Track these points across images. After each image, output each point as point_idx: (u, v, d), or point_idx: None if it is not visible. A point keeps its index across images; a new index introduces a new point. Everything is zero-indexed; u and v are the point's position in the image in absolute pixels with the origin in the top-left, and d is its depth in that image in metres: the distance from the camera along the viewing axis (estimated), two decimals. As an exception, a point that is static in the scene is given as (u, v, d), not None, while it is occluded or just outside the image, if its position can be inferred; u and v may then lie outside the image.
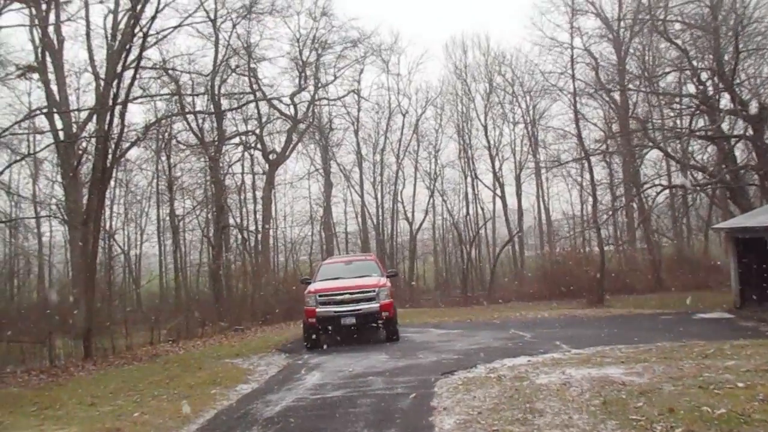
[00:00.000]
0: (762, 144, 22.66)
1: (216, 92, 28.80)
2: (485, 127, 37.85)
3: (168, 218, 31.47)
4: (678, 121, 27.98)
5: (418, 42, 65.08)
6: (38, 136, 25.99)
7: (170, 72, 24.83)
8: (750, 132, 23.25)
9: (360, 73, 35.97)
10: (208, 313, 23.60)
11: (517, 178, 37.67)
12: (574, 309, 22.41)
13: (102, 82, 21.39)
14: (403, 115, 37.88)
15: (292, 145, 32.89)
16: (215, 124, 29.71)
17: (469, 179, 38.23)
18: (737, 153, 25.94)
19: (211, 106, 29.27)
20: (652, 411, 6.65)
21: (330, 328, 14.71)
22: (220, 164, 29.92)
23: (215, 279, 28.12)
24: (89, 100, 25.14)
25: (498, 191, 37.78)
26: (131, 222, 33.90)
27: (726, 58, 22.93)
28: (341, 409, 8.21)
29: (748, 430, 5.89)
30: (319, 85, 33.81)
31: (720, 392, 7.13)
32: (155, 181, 32.65)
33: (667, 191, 29.67)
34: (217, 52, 27.99)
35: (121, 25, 21.37)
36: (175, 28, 21.83)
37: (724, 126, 24.93)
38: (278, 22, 37.13)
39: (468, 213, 38.32)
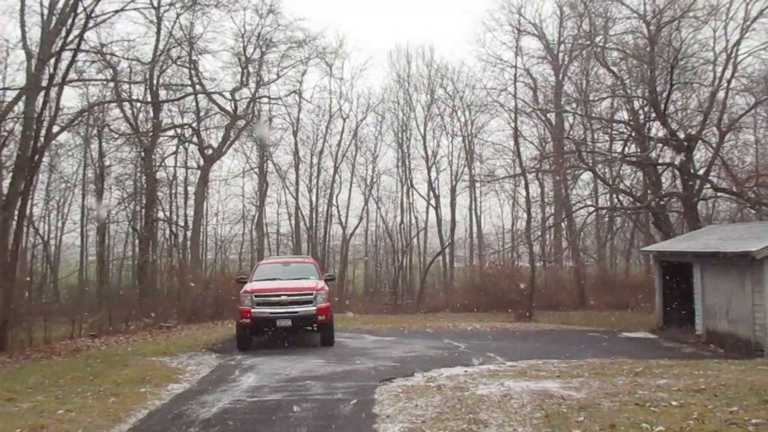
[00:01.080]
0: (687, 173, 23.74)
1: (154, 82, 27.92)
2: (424, 138, 38.31)
3: (94, 208, 30.22)
4: (610, 146, 28.95)
5: (363, 48, 65.55)
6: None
7: (108, 57, 23.87)
8: (677, 161, 24.32)
9: (303, 74, 35.75)
10: (133, 309, 22.77)
11: (452, 190, 38.22)
12: (504, 322, 22.80)
13: (35, 62, 20.43)
14: (344, 120, 37.89)
15: (229, 142, 32.25)
16: (151, 115, 28.80)
17: (404, 188, 38.57)
18: (663, 180, 27.09)
19: (149, 95, 28.36)
20: (593, 426, 6.78)
21: (265, 329, 14.43)
22: (154, 156, 29.00)
23: (141, 274, 27.19)
24: (18, 79, 23.92)
25: (432, 202, 38.23)
26: (53, 210, 32.46)
27: (659, 89, 23.95)
28: (281, 413, 8.02)
29: (687, 447, 6.09)
30: (261, 82, 33.32)
31: (656, 410, 7.34)
32: (82, 168, 31.47)
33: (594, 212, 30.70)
34: (158, 40, 27.13)
35: (60, 4, 20.50)
36: (118, 11, 20.94)
37: (653, 154, 26.00)
38: (224, 15, 36.79)
39: (402, 221, 38.63)
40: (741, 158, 28.31)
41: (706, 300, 16.09)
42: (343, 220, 38.30)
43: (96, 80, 25.25)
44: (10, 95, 21.27)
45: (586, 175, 31.27)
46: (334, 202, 37.89)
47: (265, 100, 34.35)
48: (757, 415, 6.93)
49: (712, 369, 10.55)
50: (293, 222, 38.19)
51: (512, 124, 34.47)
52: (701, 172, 24.85)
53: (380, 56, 77.79)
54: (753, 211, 24.66)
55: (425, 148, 38.19)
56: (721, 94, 24.00)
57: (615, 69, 26.17)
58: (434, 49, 61.08)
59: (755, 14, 23.03)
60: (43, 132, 17.09)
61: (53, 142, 24.06)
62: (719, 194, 25.73)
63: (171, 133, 31.26)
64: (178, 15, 27.14)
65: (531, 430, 6.76)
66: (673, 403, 7.66)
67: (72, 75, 19.72)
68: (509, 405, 7.89)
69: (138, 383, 10.42)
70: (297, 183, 37.48)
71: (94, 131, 28.53)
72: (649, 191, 26.01)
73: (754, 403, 7.58)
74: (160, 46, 27.27)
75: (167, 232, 32.21)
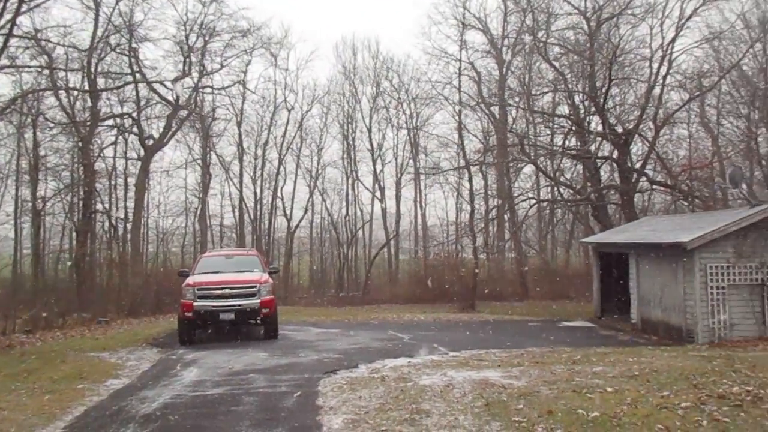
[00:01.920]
0: (625, 166, 24.48)
1: (92, 70, 27.03)
2: (369, 130, 38.30)
3: (30, 200, 29.14)
4: (552, 139, 29.58)
5: (309, 39, 65.11)
6: None
7: (43, 43, 23.00)
8: (615, 154, 25.05)
9: (247, 65, 35.15)
10: (70, 304, 22.15)
11: (397, 183, 38.34)
12: (447, 313, 23.09)
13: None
14: (289, 111, 37.53)
15: (171, 132, 31.51)
16: (89, 104, 27.91)
17: (350, 180, 38.49)
18: (602, 173, 27.87)
19: (86, 83, 27.46)
20: (532, 413, 6.95)
21: (208, 323, 14.24)
22: (92, 146, 28.14)
23: (79, 267, 26.39)
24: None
25: (378, 194, 38.27)
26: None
27: (598, 84, 24.59)
28: (224, 407, 7.94)
29: (620, 431, 6.30)
30: (204, 72, 32.65)
31: (592, 396, 7.57)
32: (15, 158, 30.27)
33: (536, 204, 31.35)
34: (96, 27, 26.26)
35: (-11, -13, 19.64)
36: (52, -5, 20.30)
37: (592, 147, 26.70)
38: (165, 2, 35.78)
39: (347, 214, 38.54)
40: (675, 152, 29.49)
41: (641, 289, 16.67)
42: (288, 212, 38.04)
43: (30, 67, 24.28)
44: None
45: (528, 168, 31.94)
46: (278, 194, 37.56)
47: (209, 90, 33.75)
48: (686, 399, 7.22)
49: (645, 356, 10.94)
50: (237, 214, 37.75)
51: (457, 117, 34.92)
52: (638, 165, 25.69)
53: (326, 48, 77.36)
54: (686, 203, 25.65)
55: (371, 140, 38.25)
56: (657, 90, 24.84)
57: (556, 64, 26.73)
58: (380, 42, 61.44)
59: (689, 13, 23.88)
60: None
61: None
62: (654, 187, 26.65)
63: (110, 122, 30.39)
64: (118, 1, 26.32)
65: (472, 419, 6.88)
66: (608, 389, 7.91)
67: (4, 61, 18.93)
68: (451, 394, 8.01)
69: (75, 380, 10.16)
70: (241, 175, 37.05)
71: (28, 120, 27.45)
72: (589, 184, 26.72)
73: (684, 387, 7.90)
74: (99, 33, 26.46)
75: (106, 224, 31.30)
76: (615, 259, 18.87)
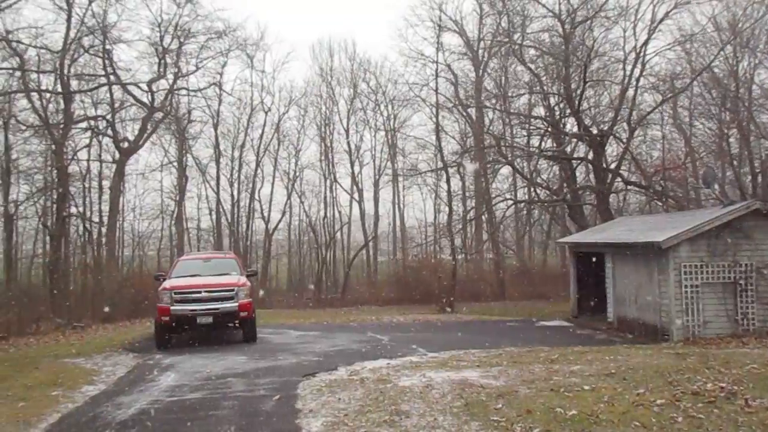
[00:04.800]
0: (600, 167, 24.75)
1: (65, 72, 26.66)
2: (347, 132, 38.35)
3: (1, 204, 28.65)
4: (528, 141, 29.81)
5: (285, 40, 64.83)
6: None
7: (14, 45, 22.66)
8: (590, 155, 25.32)
9: (223, 66, 35.05)
10: (44, 309, 21.81)
11: (375, 184, 38.41)
12: (426, 314, 23.14)
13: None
14: (266, 113, 37.41)
15: (146, 135, 31.21)
16: (62, 106, 27.51)
17: (328, 182, 38.47)
18: (578, 174, 28.14)
19: (59, 85, 27.08)
20: (510, 412, 7.00)
21: (185, 327, 14.10)
22: (65, 149, 27.75)
23: (53, 272, 26.01)
24: None
25: (356, 196, 38.33)
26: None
27: (573, 86, 24.84)
28: (202, 412, 7.88)
29: (598, 429, 6.36)
30: (180, 74, 32.36)
31: (570, 395, 7.64)
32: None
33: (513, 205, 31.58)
34: (69, 28, 25.89)
35: (-41, -12, 19.37)
36: (24, -4, 20.01)
37: (568, 148, 26.97)
38: (139, 3, 35.62)
39: (325, 216, 38.50)
40: (649, 153, 29.91)
41: (617, 288, 16.85)
42: (266, 214, 37.93)
43: (1, 69, 23.96)
44: None
45: (506, 170, 32.17)
46: (256, 196, 37.45)
47: (184, 92, 33.49)
48: (661, 396, 7.33)
49: (621, 354, 11.05)
50: (214, 217, 37.55)
51: (434, 119, 35.08)
52: (613, 166, 26.03)
53: (303, 49, 77.27)
54: (660, 203, 26.00)
55: (348, 142, 38.30)
56: (630, 92, 25.18)
57: (532, 66, 26.96)
58: (357, 43, 61.43)
59: (661, 16, 24.29)
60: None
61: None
62: (629, 187, 26.99)
63: (84, 125, 29.97)
64: (90, 2, 26.03)
65: (451, 419, 6.91)
66: (586, 387, 7.99)
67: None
68: (430, 395, 8.03)
69: (50, 386, 9.99)
70: (218, 177, 36.82)
71: (0, 122, 27.03)
72: (565, 185, 26.98)
73: (659, 385, 8.01)
74: (71, 35, 26.08)
75: (81, 228, 30.91)
76: (591, 259, 19.04)
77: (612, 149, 27.63)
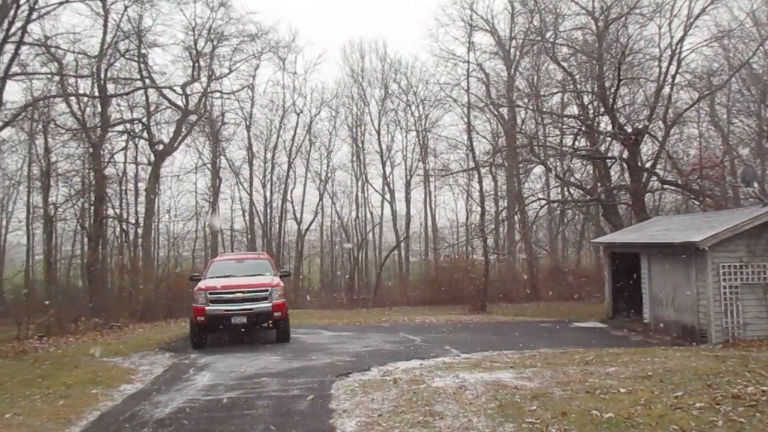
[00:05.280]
0: (635, 166, 24.38)
1: (102, 76, 27.19)
2: (378, 132, 38.36)
3: (41, 206, 29.35)
4: (561, 140, 29.49)
5: (317, 42, 65.34)
6: None
7: (53, 50, 23.19)
8: (625, 154, 24.95)
9: (256, 69, 35.40)
10: (82, 309, 22.25)
11: (407, 185, 38.36)
12: (459, 315, 23.07)
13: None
14: (298, 115, 37.66)
15: (181, 137, 31.67)
16: (99, 110, 28.04)
17: (359, 183, 38.55)
18: (612, 173, 27.76)
19: (96, 89, 27.63)
20: (545, 414, 6.94)
21: (220, 327, 14.28)
22: (102, 152, 28.28)
23: (91, 273, 26.52)
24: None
25: (387, 196, 38.33)
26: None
27: (607, 84, 24.50)
28: (237, 411, 7.97)
29: (635, 432, 6.28)
30: (213, 77, 32.77)
31: (606, 397, 7.55)
32: (27, 165, 30.53)
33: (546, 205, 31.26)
34: (105, 33, 26.38)
35: (1, -5, 19.86)
36: (62, 3, 20.49)
37: (602, 147, 26.61)
38: (173, 8, 35.95)
39: (357, 216, 38.60)
40: (686, 151, 29.30)
41: (653, 289, 16.58)
42: (298, 215, 38.16)
43: (41, 74, 24.55)
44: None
45: (538, 169, 31.89)
46: (288, 197, 37.66)
47: (218, 94, 33.92)
48: (700, 399, 7.20)
49: (658, 356, 10.88)
50: (247, 218, 37.86)
51: (465, 119, 34.91)
52: (648, 165, 25.57)
53: (333, 51, 77.52)
54: (697, 203, 25.50)
55: (380, 142, 38.32)
56: (666, 90, 24.74)
57: (565, 64, 26.67)
58: (387, 44, 61.44)
59: (698, 11, 23.80)
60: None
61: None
62: (665, 186, 26.52)
63: (120, 128, 30.53)
64: (126, 7, 26.49)
65: (485, 420, 6.87)
66: (622, 390, 7.89)
67: (15, 68, 19.17)
68: (464, 396, 8.01)
69: (89, 384, 10.20)
70: (251, 179, 37.17)
71: (39, 126, 27.68)
72: (599, 184, 26.62)
73: (698, 387, 7.86)
74: (108, 39, 26.57)
75: (117, 229, 31.48)
76: (627, 259, 18.78)
77: (647, 148, 27.19)
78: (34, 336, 18.35)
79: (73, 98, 26.80)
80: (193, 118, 32.04)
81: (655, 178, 25.57)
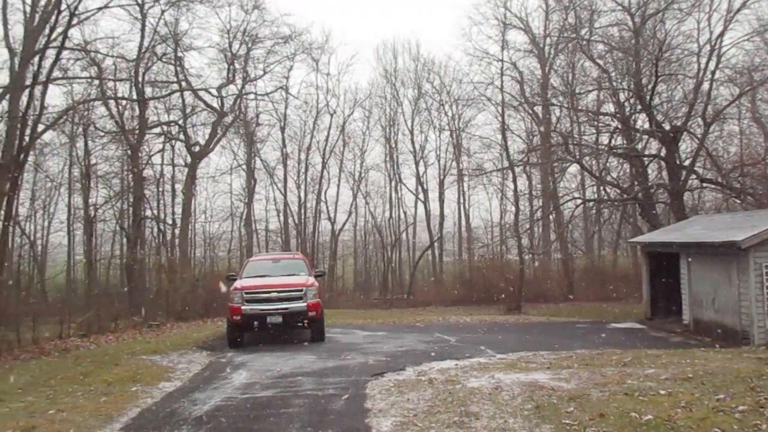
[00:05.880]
0: (673, 164, 23.93)
1: (140, 79, 27.74)
2: (411, 132, 38.37)
3: (82, 207, 30.04)
4: (597, 138, 29.11)
5: (350, 43, 65.58)
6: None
7: (93, 55, 23.72)
8: (663, 152, 24.52)
9: (289, 70, 35.77)
10: (121, 308, 22.66)
11: (440, 184, 38.28)
12: (493, 315, 22.92)
13: (18, 60, 20.29)
14: (331, 115, 37.90)
15: (216, 139, 32.13)
16: (137, 112, 28.63)
17: (393, 183, 38.61)
18: (649, 171, 27.28)
19: (134, 93, 28.19)
20: (583, 416, 6.85)
21: (255, 326, 14.42)
22: (140, 154, 28.85)
23: (129, 272, 27.05)
24: (1, 77, 23.81)
25: (421, 196, 38.31)
26: (39, 209, 32.23)
27: (644, 81, 24.09)
28: (273, 410, 8.04)
29: (676, 435, 6.17)
30: (248, 79, 33.20)
31: (645, 399, 7.43)
32: (68, 167, 31.27)
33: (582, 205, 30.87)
34: (143, 37, 26.98)
35: (42, 2, 20.36)
36: (101, 8, 20.91)
37: (639, 145, 26.17)
38: (209, 11, 36.59)
39: (391, 216, 38.66)
40: (726, 149, 28.65)
41: (693, 290, 16.26)
42: (332, 215, 38.39)
43: (81, 78, 25.12)
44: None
45: (574, 168, 31.48)
46: (322, 197, 37.99)
47: (252, 96, 34.32)
48: (743, 402, 7.04)
49: (699, 358, 10.67)
50: (282, 218, 38.25)
51: (499, 118, 34.62)
52: (687, 163, 25.08)
53: (366, 51, 77.62)
54: (738, 201, 24.92)
55: (413, 142, 38.33)
56: (705, 86, 24.25)
57: (601, 62, 26.30)
58: (420, 44, 61.48)
59: (738, 5, 23.26)
60: (28, 131, 16.99)
61: (38, 141, 23.92)
62: (705, 185, 26.00)
63: (157, 130, 31.19)
64: (163, 11, 27.06)
65: (522, 422, 6.82)
66: (661, 391, 7.75)
67: (56, 73, 19.66)
68: (500, 397, 7.96)
69: (129, 382, 10.39)
70: (285, 179, 37.53)
71: (80, 129, 28.41)
72: (636, 183, 26.21)
73: (740, 390, 7.69)
74: (145, 43, 27.19)
75: (155, 230, 32.11)
76: (665, 259, 18.44)
77: (686, 145, 26.70)
78: (76, 334, 18.72)
79: (111, 101, 27.38)
80: (228, 119, 32.53)
81: (694, 176, 25.08)
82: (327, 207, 38.30)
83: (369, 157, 39.15)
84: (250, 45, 32.10)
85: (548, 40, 33.73)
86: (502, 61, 33.01)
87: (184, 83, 30.24)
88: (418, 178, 38.10)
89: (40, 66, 17.25)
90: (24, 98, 18.38)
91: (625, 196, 26.88)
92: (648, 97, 23.60)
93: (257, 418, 7.64)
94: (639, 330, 17.42)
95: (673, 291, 17.67)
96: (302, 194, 37.87)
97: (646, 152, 26.12)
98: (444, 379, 9.37)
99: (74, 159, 30.38)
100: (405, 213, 38.91)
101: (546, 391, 8.12)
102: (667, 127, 24.36)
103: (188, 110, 31.85)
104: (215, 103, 31.80)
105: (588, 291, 29.53)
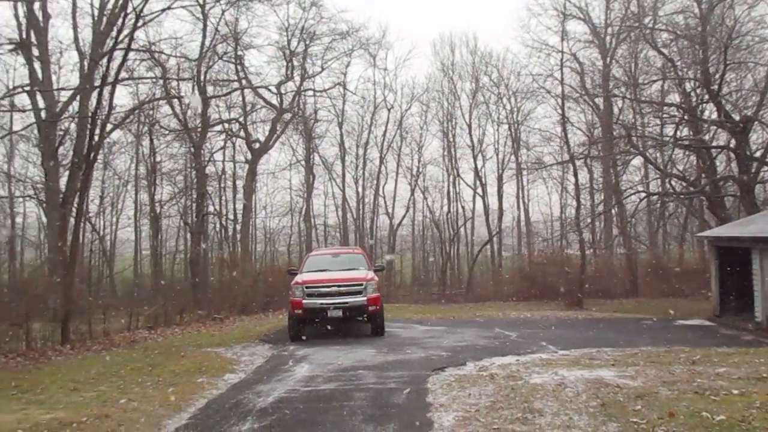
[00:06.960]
0: (744, 155, 23.02)
1: (202, 78, 28.42)
2: (469, 126, 37.98)
3: (148, 204, 31.01)
4: (661, 130, 28.25)
5: (406, 38, 65.46)
6: (15, 115, 25.28)
7: (157, 55, 24.42)
8: (732, 143, 23.62)
9: (347, 66, 35.91)
10: (186, 302, 23.31)
11: (499, 179, 37.81)
12: (554, 311, 22.60)
13: (87, 62, 21.07)
14: (388, 110, 37.90)
15: (275, 135, 32.65)
16: (199, 111, 29.32)
17: (451, 177, 38.35)
18: (718, 163, 26.34)
19: (197, 91, 28.88)
20: (651, 415, 6.68)
21: (316, 320, 14.61)
22: (202, 151, 29.56)
23: (193, 267, 27.78)
24: (72, 79, 24.74)
25: (479, 191, 37.90)
26: (108, 206, 33.41)
27: (712, 69, 23.23)
28: (336, 402, 8.12)
29: (750, 436, 5.95)
30: (306, 75, 33.57)
31: (716, 398, 7.19)
32: (134, 165, 32.32)
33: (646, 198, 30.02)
34: (204, 37, 27.64)
35: (109, 5, 21.09)
36: (165, 10, 21.55)
37: (707, 136, 25.28)
38: (267, 9, 37.28)
39: (449, 211, 38.44)
40: (801, 139, 27.32)
41: (765, 286, 15.63)
42: (390, 210, 38.44)
43: (146, 78, 25.92)
44: (65, 95, 22.08)
45: (637, 161, 30.71)
46: (380, 192, 38.05)
47: (310, 92, 34.66)
48: (823, 404, 6.73)
49: (773, 357, 10.27)
50: (340, 213, 38.52)
51: (559, 110, 33.88)
52: (758, 154, 24.08)
53: (423, 45, 77.63)
54: (814, 194, 23.83)
55: (471, 136, 37.93)
56: (778, 73, 23.17)
57: (665, 51, 25.45)
58: (478, 37, 60.41)
59: (814, -11, 22.14)
60: (97, 130, 17.58)
61: (107, 139, 24.81)
62: (778, 177, 24.92)
63: (219, 128, 31.89)
64: (224, 11, 27.67)
65: (587, 419, 6.69)
66: (734, 391, 7.49)
67: (123, 74, 20.30)
68: (564, 394, 7.84)
69: (195, 373, 10.67)
70: (343, 175, 37.79)
71: (145, 128, 29.29)
72: (703, 175, 25.34)
73: (820, 391, 7.36)
74: (207, 43, 27.84)
75: (217, 225, 32.85)
76: (735, 255, 17.79)
77: (757, 136, 25.63)
78: (143, 327, 19.35)
79: (175, 100, 28.13)
80: (287, 116, 32.98)
81: (766, 168, 24.06)
82: (385, 202, 38.43)
83: (426, 152, 39.00)
84: (307, 42, 32.46)
85: (609, 30, 32.83)
86: (561, 52, 32.35)
87: (244, 81, 30.84)
88: (476, 172, 37.76)
89: (108, 67, 17.84)
90: (93, 99, 19.07)
91: (691, 189, 25.99)
92: (716, 87, 22.73)
93: (320, 411, 7.73)
94: (708, 327, 16.88)
95: (743, 287, 17.02)
96: (360, 189, 38.07)
97: (714, 143, 25.20)
98: (506, 375, 9.29)
99: (140, 157, 31.36)
100: (463, 208, 38.61)
101: (612, 389, 7.95)
102: (736, 117, 23.40)
103: (248, 108, 32.50)
104: (274, 100, 32.37)
105: (652, 287, 28.70)
